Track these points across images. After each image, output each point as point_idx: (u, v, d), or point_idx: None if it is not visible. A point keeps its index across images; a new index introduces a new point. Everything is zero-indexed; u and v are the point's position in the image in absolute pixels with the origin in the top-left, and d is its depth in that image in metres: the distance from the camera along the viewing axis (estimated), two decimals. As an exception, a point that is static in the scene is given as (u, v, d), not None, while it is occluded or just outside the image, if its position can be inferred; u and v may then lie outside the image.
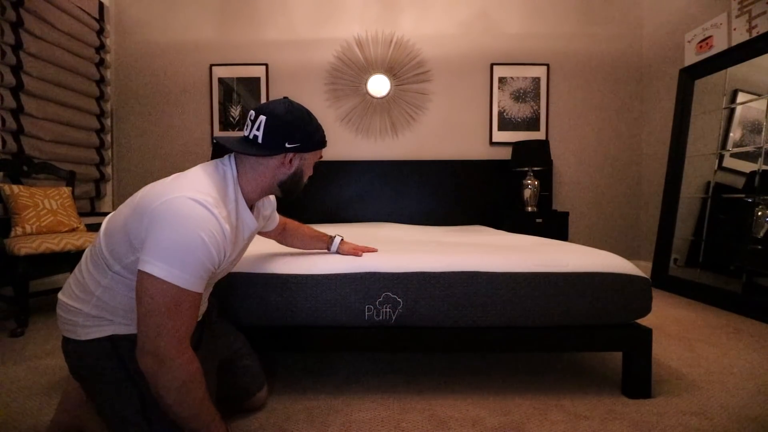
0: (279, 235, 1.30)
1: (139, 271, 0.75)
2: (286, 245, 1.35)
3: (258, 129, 0.89)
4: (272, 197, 1.17)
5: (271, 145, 0.89)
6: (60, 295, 0.93)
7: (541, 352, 1.41)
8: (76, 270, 0.93)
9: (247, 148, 0.89)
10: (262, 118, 0.89)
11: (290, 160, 0.93)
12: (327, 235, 1.35)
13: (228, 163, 0.93)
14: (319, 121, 1.01)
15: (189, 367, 0.78)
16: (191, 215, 0.76)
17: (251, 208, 1.00)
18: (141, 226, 0.78)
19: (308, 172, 1.01)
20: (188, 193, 0.78)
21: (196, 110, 3.40)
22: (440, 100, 3.39)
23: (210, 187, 0.84)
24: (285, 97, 0.97)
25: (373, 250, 1.33)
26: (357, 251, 1.30)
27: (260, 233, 1.24)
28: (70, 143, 2.85)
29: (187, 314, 0.78)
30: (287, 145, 0.90)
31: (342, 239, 1.34)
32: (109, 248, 0.85)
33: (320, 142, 0.98)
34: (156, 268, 0.74)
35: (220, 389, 1.04)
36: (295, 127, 0.91)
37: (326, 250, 1.34)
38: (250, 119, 0.91)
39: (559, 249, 1.45)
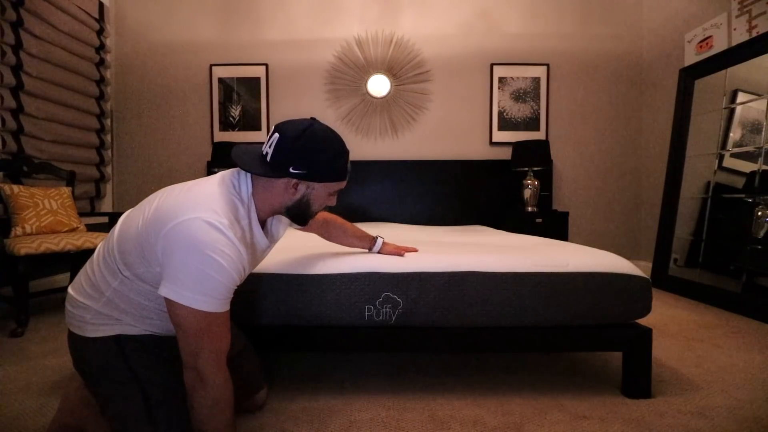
0: (321, 228, 1.28)
1: (166, 298, 0.77)
2: (329, 240, 1.34)
3: (270, 146, 0.86)
4: None
5: (276, 167, 0.85)
6: (70, 290, 0.94)
7: (541, 352, 1.41)
8: (87, 265, 0.94)
9: (254, 164, 0.86)
10: (276, 136, 0.86)
11: (295, 186, 0.88)
12: (370, 235, 1.34)
13: (245, 177, 0.90)
14: (320, 121, 0.93)
15: (223, 387, 0.82)
16: (206, 240, 0.76)
17: (263, 224, 0.98)
18: (156, 244, 0.79)
19: (321, 201, 0.94)
20: (202, 213, 0.77)
21: (196, 110, 3.39)
22: (440, 100, 3.39)
23: (223, 205, 0.82)
24: (312, 118, 0.91)
25: (414, 250, 1.34)
26: (400, 251, 1.31)
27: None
28: (70, 143, 2.85)
29: (219, 333, 0.81)
30: (291, 170, 0.85)
31: (384, 240, 1.34)
32: (121, 254, 0.85)
33: (333, 175, 0.90)
34: (181, 296, 0.76)
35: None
36: (302, 154, 0.85)
37: (367, 251, 1.34)
38: (270, 133, 0.89)
39: (559, 249, 1.45)
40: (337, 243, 1.35)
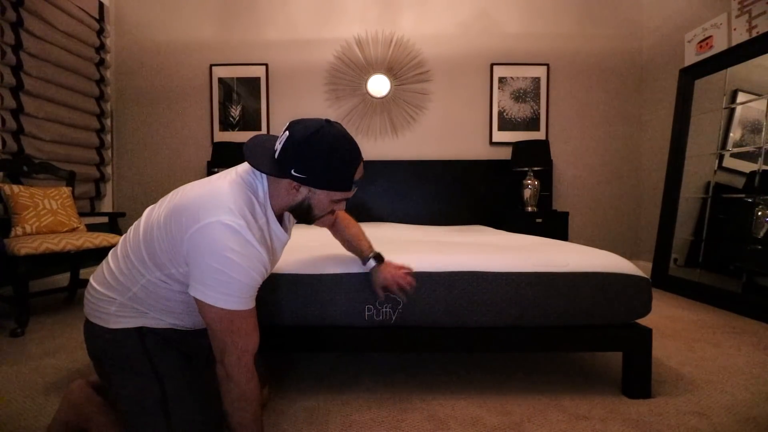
0: (331, 226, 1.23)
1: (194, 297, 0.82)
2: (335, 238, 1.27)
3: (280, 143, 0.84)
4: None
5: (280, 167, 0.84)
6: (93, 281, 0.94)
7: (541, 352, 1.41)
8: (110, 259, 0.94)
9: (263, 161, 0.85)
10: (286, 134, 0.84)
11: (296, 188, 0.87)
12: (367, 248, 1.20)
13: (260, 174, 0.90)
14: (336, 124, 0.87)
15: (246, 385, 0.84)
16: (226, 244, 0.78)
17: (280, 218, 0.97)
18: (181, 247, 0.81)
19: (324, 207, 0.91)
20: (221, 216, 0.79)
21: (196, 110, 3.39)
22: (440, 100, 3.39)
23: (241, 205, 0.83)
24: (326, 120, 0.86)
25: (408, 270, 1.20)
26: (393, 281, 1.15)
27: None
28: (70, 143, 2.85)
29: (245, 330, 0.83)
30: (292, 172, 0.83)
31: (377, 266, 1.17)
32: (149, 254, 0.87)
33: (334, 184, 0.87)
34: (206, 296, 0.80)
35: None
36: (304, 159, 0.82)
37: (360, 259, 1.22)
38: (284, 130, 0.87)
39: (559, 249, 1.45)
40: (340, 242, 1.29)
